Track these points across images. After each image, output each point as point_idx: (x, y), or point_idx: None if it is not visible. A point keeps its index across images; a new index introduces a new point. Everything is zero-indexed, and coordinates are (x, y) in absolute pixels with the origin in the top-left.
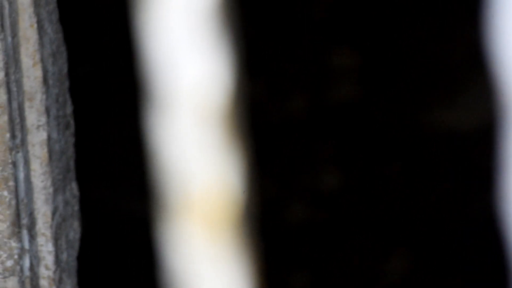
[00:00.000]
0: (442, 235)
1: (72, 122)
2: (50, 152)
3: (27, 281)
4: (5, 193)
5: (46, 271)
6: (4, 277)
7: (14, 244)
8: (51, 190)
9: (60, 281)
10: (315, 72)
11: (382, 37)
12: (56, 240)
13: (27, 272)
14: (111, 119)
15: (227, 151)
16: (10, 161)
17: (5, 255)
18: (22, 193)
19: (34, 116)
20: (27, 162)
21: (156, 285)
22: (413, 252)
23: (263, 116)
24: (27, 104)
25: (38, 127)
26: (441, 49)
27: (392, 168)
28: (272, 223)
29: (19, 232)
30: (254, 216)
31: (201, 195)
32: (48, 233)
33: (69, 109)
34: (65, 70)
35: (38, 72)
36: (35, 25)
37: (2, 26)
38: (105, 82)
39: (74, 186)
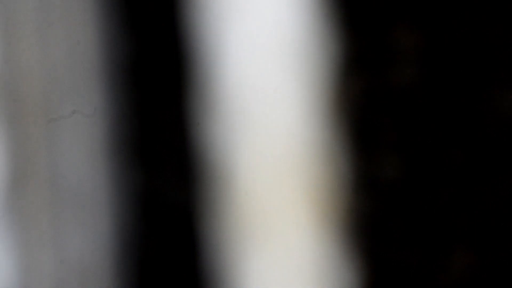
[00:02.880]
0: (508, 229)
1: (112, 107)
2: (106, 134)
3: (82, 262)
4: (60, 174)
5: (101, 253)
6: None
7: (68, 225)
8: (106, 172)
9: (115, 262)
10: (375, 53)
11: (445, 15)
12: (110, 221)
13: (82, 253)
14: (158, 107)
15: (328, 129)
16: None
17: (61, 236)
18: (77, 175)
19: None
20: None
21: (198, 277)
22: (476, 247)
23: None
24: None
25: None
26: (508, 27)
27: (454, 156)
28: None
29: (74, 213)
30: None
31: (297, 176)
32: (102, 214)
33: (101, 95)
34: (112, 51)
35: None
36: None
37: None
38: (150, 70)
39: (128, 169)
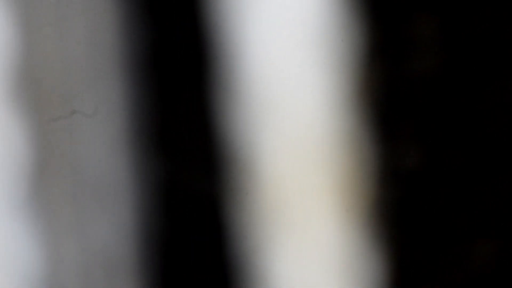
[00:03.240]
0: None
1: (140, 95)
2: (127, 124)
3: (106, 252)
4: (83, 165)
5: (125, 242)
6: None
7: (91, 215)
8: (127, 162)
9: (139, 252)
10: (395, 42)
11: (464, 4)
12: (132, 211)
13: (106, 243)
14: (178, 96)
15: (353, 117)
16: None
17: (84, 226)
18: (99, 166)
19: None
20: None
21: (224, 267)
22: (498, 235)
23: None
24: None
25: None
26: None
27: (476, 145)
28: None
29: (97, 202)
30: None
31: (322, 164)
32: (125, 204)
33: (133, 83)
34: (138, 42)
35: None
36: None
37: None
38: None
39: (150, 159)
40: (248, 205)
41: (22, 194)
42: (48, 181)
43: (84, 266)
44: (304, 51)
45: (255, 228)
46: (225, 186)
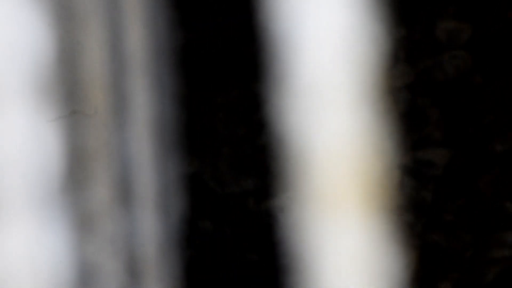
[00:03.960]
0: None
1: (176, 93)
2: (154, 122)
3: (130, 252)
4: (108, 163)
5: (149, 242)
6: (106, 248)
7: (117, 214)
8: (154, 161)
9: (163, 252)
10: (422, 42)
11: (491, 5)
12: (159, 211)
13: (130, 243)
14: (220, 93)
15: (376, 120)
16: (113, 131)
17: (108, 226)
18: (125, 164)
19: (139, 86)
20: (130, 133)
21: (265, 262)
22: None
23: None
24: (131, 73)
25: (142, 97)
26: None
27: (502, 144)
28: None
29: (123, 203)
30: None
31: (346, 165)
32: (151, 204)
33: (173, 80)
34: (169, 39)
35: (142, 41)
36: None
37: None
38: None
39: (177, 157)
40: (282, 204)
41: (55, 191)
42: (84, 174)
43: (111, 268)
44: (333, 50)
45: (285, 222)
46: (262, 185)
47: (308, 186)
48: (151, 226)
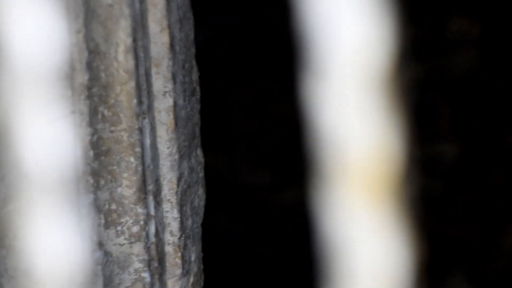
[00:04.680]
0: None
1: (198, 88)
2: (176, 118)
3: (153, 247)
4: (132, 159)
5: (171, 237)
6: (130, 243)
7: (140, 210)
8: (176, 156)
9: (184, 247)
10: (434, 41)
11: (501, 4)
12: (181, 206)
13: (152, 238)
14: (235, 87)
15: (388, 116)
16: (136, 127)
17: (131, 221)
18: (148, 160)
19: (161, 82)
20: (153, 129)
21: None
22: None
23: None
24: (154, 70)
25: (164, 93)
26: None
27: (508, 139)
28: None
29: (145, 198)
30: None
31: (360, 160)
32: (174, 199)
33: (195, 75)
34: (191, 36)
35: (165, 38)
36: None
37: None
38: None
39: (199, 152)
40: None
41: (79, 186)
42: (109, 165)
43: (133, 262)
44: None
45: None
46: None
47: (324, 178)
48: (173, 220)
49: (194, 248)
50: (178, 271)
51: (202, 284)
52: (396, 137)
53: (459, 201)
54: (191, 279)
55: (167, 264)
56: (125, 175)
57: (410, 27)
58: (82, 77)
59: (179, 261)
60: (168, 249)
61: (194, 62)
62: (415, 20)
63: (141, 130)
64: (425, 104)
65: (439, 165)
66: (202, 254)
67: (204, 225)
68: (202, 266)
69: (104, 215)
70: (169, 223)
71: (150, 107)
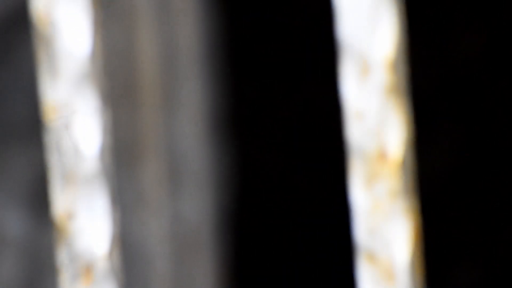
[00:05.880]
0: None
1: (223, 82)
2: (204, 107)
3: (181, 232)
4: (161, 147)
5: (200, 223)
6: None
7: (168, 195)
8: (205, 144)
9: (214, 233)
10: (441, 51)
11: (506, 9)
12: (209, 193)
13: (180, 223)
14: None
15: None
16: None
17: (160, 206)
18: (176, 148)
19: None
20: None
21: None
22: None
23: None
24: None
25: None
26: None
27: (507, 144)
28: None
29: (174, 184)
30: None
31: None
32: (203, 186)
33: (220, 70)
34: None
35: None
36: None
37: None
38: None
39: (226, 142)
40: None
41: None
42: (143, 158)
43: (170, 237)
44: None
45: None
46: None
47: (342, 166)
48: (202, 207)
49: (224, 233)
50: (206, 256)
51: None
52: (405, 132)
53: (463, 196)
54: (220, 264)
55: (195, 249)
56: (153, 161)
57: (413, 30)
58: (110, 68)
59: (207, 245)
60: (197, 233)
61: (223, 58)
62: (418, 25)
63: (169, 118)
64: (427, 104)
65: (438, 166)
66: (234, 239)
67: (237, 212)
68: (232, 251)
69: (132, 200)
70: (197, 209)
71: (177, 97)
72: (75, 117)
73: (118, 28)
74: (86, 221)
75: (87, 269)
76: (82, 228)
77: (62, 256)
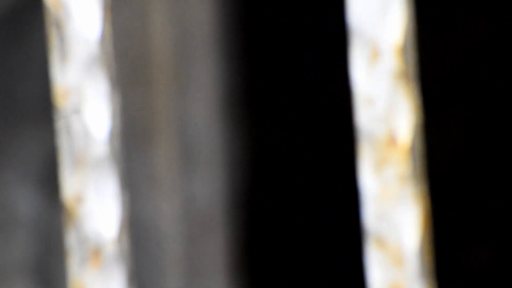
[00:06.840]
0: None
1: (236, 64)
2: (217, 88)
3: (192, 213)
4: (173, 128)
5: (212, 204)
6: None
7: (181, 176)
8: (218, 126)
9: (226, 214)
10: (450, 37)
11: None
12: (222, 174)
13: (192, 204)
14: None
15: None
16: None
17: (172, 187)
18: (189, 129)
19: None
20: None
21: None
22: None
23: None
24: None
25: None
26: None
27: None
28: None
29: (186, 165)
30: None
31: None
32: (215, 167)
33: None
34: None
35: None
36: None
37: None
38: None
39: (239, 123)
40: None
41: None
42: (155, 140)
43: (183, 218)
44: None
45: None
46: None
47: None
48: (214, 188)
49: (236, 214)
50: (219, 237)
51: None
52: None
53: (462, 190)
54: (232, 246)
55: (207, 230)
56: (165, 142)
57: (415, 24)
58: (121, 50)
59: (219, 227)
60: (209, 215)
61: (238, 41)
62: (420, 19)
63: (181, 99)
64: (428, 101)
65: (444, 153)
66: (246, 221)
67: (250, 193)
68: (244, 233)
69: (144, 180)
70: (210, 190)
71: (190, 78)
72: (85, 100)
73: (131, 9)
74: (95, 205)
75: (96, 253)
76: (91, 212)
77: (71, 240)
